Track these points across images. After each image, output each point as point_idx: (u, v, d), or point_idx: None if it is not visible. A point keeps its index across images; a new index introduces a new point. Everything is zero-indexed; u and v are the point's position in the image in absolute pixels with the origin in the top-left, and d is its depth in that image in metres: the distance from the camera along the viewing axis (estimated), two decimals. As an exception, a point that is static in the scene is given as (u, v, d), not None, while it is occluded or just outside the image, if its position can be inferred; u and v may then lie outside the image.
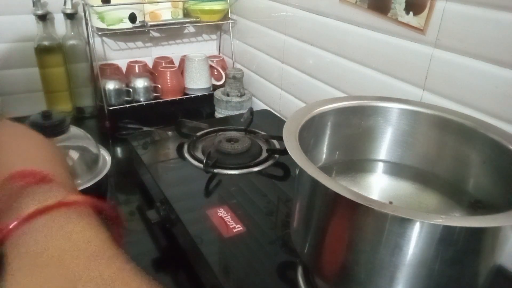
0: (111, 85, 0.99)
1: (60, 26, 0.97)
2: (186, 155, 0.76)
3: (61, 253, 0.27)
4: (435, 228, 0.33)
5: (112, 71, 1.06)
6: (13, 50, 0.96)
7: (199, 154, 0.76)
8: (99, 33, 0.98)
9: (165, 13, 1.04)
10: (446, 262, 0.35)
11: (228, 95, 1.01)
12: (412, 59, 0.64)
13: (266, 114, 1.00)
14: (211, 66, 1.12)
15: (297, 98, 0.94)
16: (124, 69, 1.11)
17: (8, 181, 0.31)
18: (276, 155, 0.76)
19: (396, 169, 0.54)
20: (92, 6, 0.94)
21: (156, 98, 1.05)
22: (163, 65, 1.09)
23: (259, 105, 1.08)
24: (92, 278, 0.26)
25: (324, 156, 0.54)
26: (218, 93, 1.03)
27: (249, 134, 0.85)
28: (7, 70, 0.97)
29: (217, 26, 1.18)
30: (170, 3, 1.04)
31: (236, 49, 1.15)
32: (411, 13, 0.62)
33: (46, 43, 0.94)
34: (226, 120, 0.97)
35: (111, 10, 0.94)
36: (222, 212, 0.61)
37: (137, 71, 1.08)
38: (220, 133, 0.84)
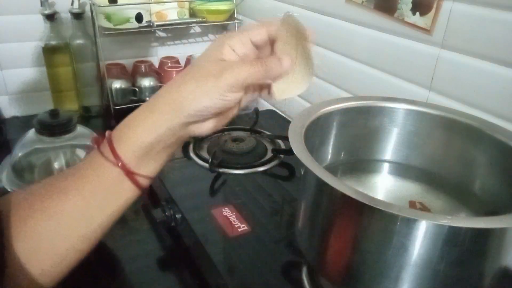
0: (117, 85, 0.99)
1: (68, 26, 0.98)
2: (192, 154, 0.76)
3: None
4: (441, 228, 0.33)
5: (119, 70, 1.06)
6: (21, 49, 0.97)
7: (204, 154, 0.77)
8: (106, 33, 0.98)
9: (171, 13, 1.05)
10: (452, 263, 0.35)
11: (233, 95, 1.01)
12: (419, 60, 0.63)
13: (271, 114, 1.00)
14: (216, 66, 1.12)
15: (302, 98, 0.94)
16: (130, 69, 1.11)
17: None
18: (281, 155, 0.76)
19: (402, 170, 0.54)
20: (99, 6, 0.94)
21: (162, 97, 1.05)
22: (169, 65, 1.09)
23: (264, 105, 1.08)
24: None
25: (329, 156, 0.54)
26: (223, 93, 1.03)
27: (254, 134, 0.85)
28: (15, 69, 0.98)
29: (223, 26, 1.18)
30: (176, 3, 1.04)
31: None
32: (417, 13, 0.62)
33: (53, 42, 0.94)
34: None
35: (118, 10, 0.95)
36: (227, 212, 0.61)
37: (143, 70, 1.08)
38: (225, 132, 0.84)
